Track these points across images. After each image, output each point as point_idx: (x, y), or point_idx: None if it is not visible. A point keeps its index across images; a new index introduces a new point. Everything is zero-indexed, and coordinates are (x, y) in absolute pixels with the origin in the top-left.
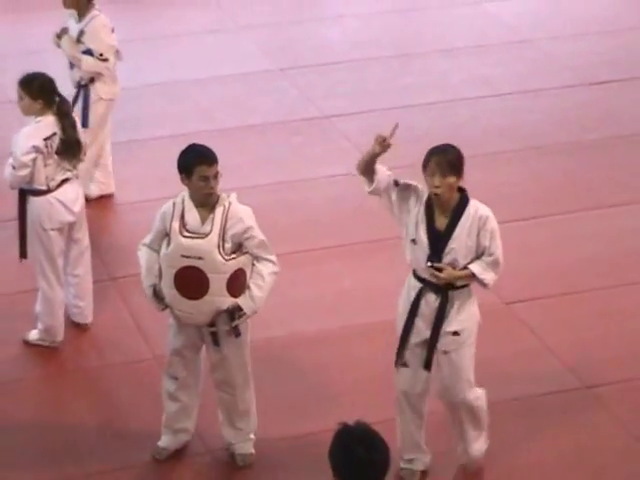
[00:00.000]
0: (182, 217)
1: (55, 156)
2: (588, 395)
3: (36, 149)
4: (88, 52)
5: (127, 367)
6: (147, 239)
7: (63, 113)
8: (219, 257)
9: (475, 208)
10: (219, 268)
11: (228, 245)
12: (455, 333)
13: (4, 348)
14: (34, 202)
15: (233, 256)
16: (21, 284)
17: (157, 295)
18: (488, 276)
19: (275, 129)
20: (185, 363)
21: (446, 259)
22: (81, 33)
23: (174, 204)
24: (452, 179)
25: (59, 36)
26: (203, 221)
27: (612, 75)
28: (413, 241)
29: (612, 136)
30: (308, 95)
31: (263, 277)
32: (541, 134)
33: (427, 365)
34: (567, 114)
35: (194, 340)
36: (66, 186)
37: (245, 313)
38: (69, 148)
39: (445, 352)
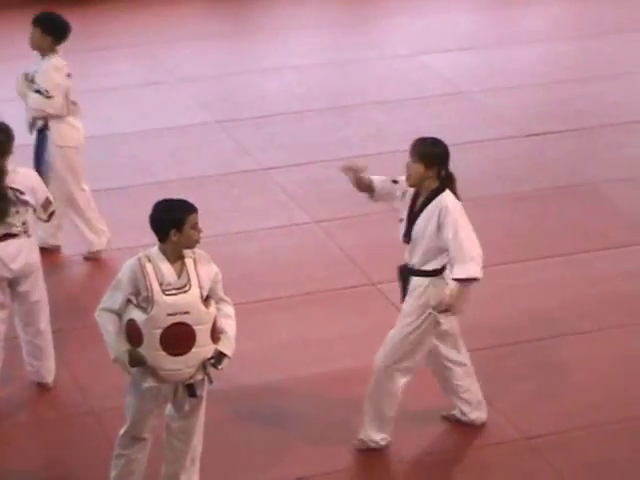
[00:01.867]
0: (156, 275)
1: None
2: (526, 446)
3: None
4: (38, 92)
5: (64, 422)
6: (108, 303)
7: None
8: (203, 307)
9: (442, 198)
10: (204, 318)
11: (205, 293)
12: None
13: None
14: None
15: (211, 304)
16: None
17: (134, 360)
18: (472, 270)
19: (213, 181)
20: (152, 422)
21: (412, 238)
22: (34, 73)
23: (141, 264)
24: (419, 167)
25: (26, 77)
26: (178, 275)
27: (546, 127)
28: (400, 220)
29: (546, 187)
30: (246, 147)
31: (232, 317)
32: (476, 186)
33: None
34: (502, 165)
35: (166, 398)
36: (10, 241)
37: (228, 357)
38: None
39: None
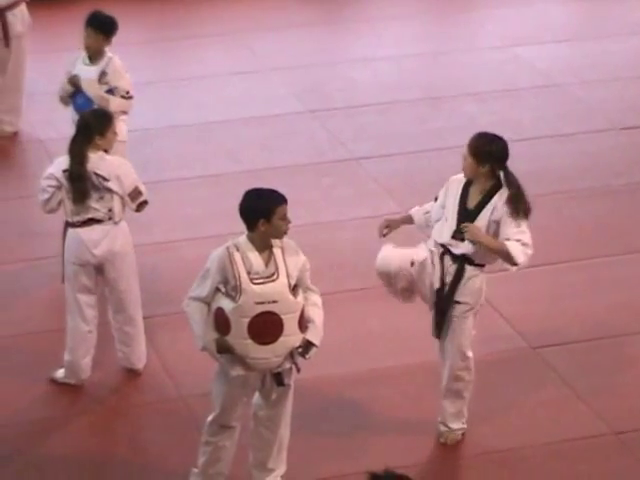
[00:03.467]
0: (244, 262)
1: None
2: (616, 441)
3: (54, 177)
4: (109, 92)
5: (152, 407)
6: (196, 292)
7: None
8: (291, 297)
9: (503, 194)
10: (292, 307)
11: (293, 282)
12: (458, 302)
13: (34, 386)
14: (67, 233)
15: (298, 293)
16: (50, 322)
17: (222, 348)
18: (521, 256)
19: (304, 171)
20: (240, 410)
21: (488, 237)
22: (102, 74)
23: (229, 253)
24: (471, 161)
25: (71, 81)
26: (266, 264)
27: None
28: (445, 219)
29: None
30: (337, 137)
31: (319, 306)
32: (571, 178)
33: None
34: (597, 159)
35: (254, 386)
36: (94, 226)
37: (316, 346)
38: (75, 186)
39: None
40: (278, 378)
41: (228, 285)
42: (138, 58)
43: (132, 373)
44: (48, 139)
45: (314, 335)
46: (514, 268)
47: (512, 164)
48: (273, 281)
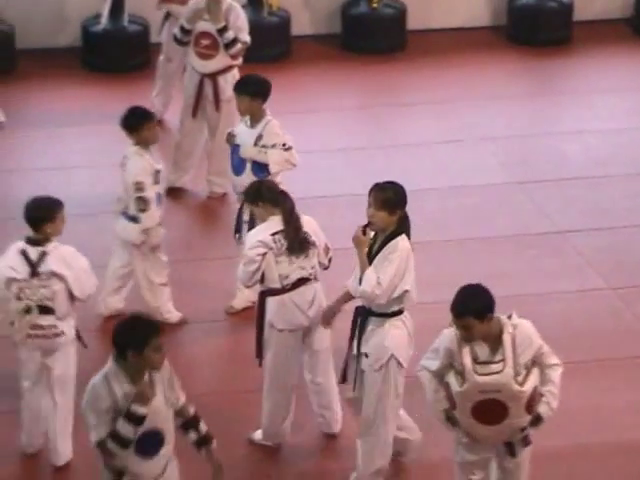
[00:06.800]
0: (470, 350)
1: (286, 253)
2: None
3: (262, 245)
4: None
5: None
6: (427, 363)
7: (287, 210)
8: (516, 387)
9: (397, 240)
10: (517, 396)
11: (522, 371)
12: (366, 355)
13: (231, 449)
14: (269, 302)
15: (528, 379)
16: (248, 383)
17: (450, 419)
18: (365, 283)
19: (509, 242)
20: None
21: (363, 256)
22: (259, 137)
23: (457, 339)
24: (383, 214)
25: (228, 139)
26: (493, 351)
27: None
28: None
29: None
30: (544, 209)
31: (555, 384)
32: None
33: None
34: None
35: (487, 454)
36: (305, 286)
37: (544, 421)
38: (295, 244)
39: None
40: (510, 448)
41: (455, 367)
42: (348, 123)
43: (329, 438)
44: None
45: (546, 412)
46: (357, 292)
47: None
48: (498, 373)
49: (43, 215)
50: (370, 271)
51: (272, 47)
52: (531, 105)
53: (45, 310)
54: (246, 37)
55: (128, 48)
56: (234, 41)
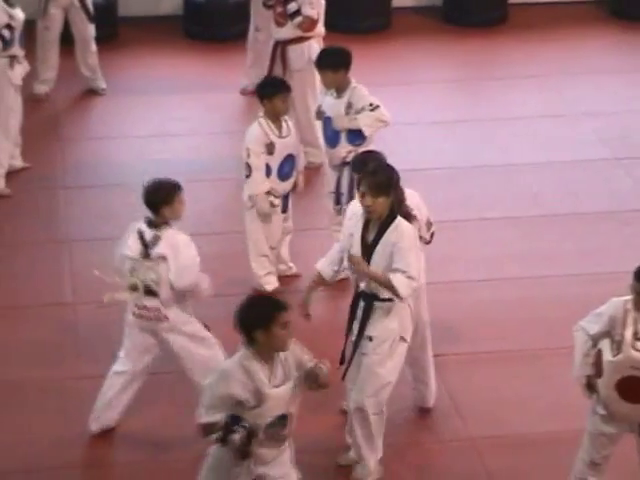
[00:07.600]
0: (635, 323)
1: None
2: None
3: None
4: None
5: (441, 445)
6: (587, 325)
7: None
8: None
9: (397, 224)
10: None
11: None
12: (370, 338)
13: (323, 420)
14: None
15: None
16: None
17: (590, 387)
18: (402, 288)
19: (606, 218)
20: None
21: (372, 269)
22: (349, 106)
23: (624, 309)
24: (382, 199)
25: (318, 115)
26: None
27: None
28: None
29: None
30: None
31: None
32: None
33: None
34: None
35: (624, 429)
36: None
37: None
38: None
39: (362, 354)
40: None
41: (613, 335)
42: (446, 96)
43: (422, 411)
44: None
45: None
46: (406, 299)
47: None
48: None
49: (161, 199)
50: (394, 276)
51: (372, 18)
52: (632, 80)
53: (150, 292)
54: (309, 11)
55: (229, 17)
56: (296, 12)
